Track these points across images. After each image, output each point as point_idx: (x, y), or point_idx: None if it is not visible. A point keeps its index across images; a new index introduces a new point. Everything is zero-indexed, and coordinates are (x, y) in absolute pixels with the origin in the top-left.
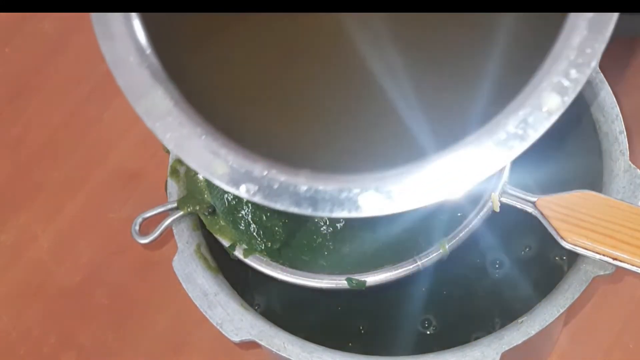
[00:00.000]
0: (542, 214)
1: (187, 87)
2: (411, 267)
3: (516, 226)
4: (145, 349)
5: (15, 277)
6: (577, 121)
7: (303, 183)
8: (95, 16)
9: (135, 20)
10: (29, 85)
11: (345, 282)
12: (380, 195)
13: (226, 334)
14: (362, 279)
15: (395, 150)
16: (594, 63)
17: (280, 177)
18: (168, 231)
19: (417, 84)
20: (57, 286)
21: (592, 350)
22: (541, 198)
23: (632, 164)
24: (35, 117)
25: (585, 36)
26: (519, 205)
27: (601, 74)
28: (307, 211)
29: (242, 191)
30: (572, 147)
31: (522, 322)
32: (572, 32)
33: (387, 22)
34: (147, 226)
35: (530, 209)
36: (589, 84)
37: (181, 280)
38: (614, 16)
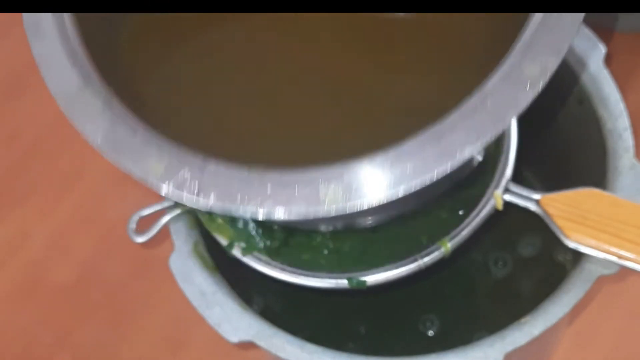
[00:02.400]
0: (545, 212)
1: (121, 89)
2: (412, 266)
3: (519, 225)
4: (141, 349)
5: (9, 275)
6: (581, 118)
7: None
8: (26, 16)
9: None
10: (24, 81)
11: (346, 281)
12: (343, 186)
13: (224, 335)
14: (363, 279)
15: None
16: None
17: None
18: (165, 229)
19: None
20: (52, 285)
21: (596, 351)
22: (545, 196)
23: (636, 162)
24: (30, 113)
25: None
26: (522, 203)
27: (606, 69)
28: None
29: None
30: (575, 144)
31: (525, 322)
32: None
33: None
34: (144, 224)
35: (533, 207)
36: (593, 80)
37: (178, 280)
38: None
